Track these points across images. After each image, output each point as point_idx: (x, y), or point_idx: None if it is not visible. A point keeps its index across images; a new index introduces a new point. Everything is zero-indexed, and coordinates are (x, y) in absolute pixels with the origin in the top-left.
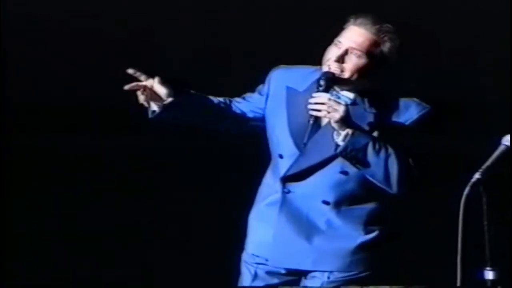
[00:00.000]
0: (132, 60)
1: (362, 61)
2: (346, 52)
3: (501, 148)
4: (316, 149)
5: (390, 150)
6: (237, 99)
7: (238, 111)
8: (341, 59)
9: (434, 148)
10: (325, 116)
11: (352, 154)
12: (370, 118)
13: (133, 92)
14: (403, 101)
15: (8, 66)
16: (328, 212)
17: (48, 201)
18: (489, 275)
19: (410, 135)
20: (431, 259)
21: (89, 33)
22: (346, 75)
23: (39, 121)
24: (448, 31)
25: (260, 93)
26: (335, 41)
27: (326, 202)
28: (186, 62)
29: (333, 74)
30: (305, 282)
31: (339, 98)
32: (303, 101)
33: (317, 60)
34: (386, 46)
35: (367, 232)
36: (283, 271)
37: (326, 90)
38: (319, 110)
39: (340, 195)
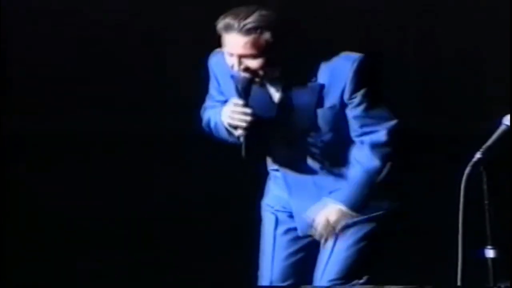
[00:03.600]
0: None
1: (260, 59)
2: (240, 59)
3: (502, 128)
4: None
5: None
6: (210, 109)
7: None
8: (242, 66)
9: (435, 128)
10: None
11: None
12: (312, 90)
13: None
14: (330, 61)
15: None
16: (330, 172)
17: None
18: (490, 253)
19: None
20: (433, 240)
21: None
22: (259, 75)
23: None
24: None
25: (216, 90)
26: (225, 51)
27: (323, 168)
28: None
29: (247, 79)
30: None
31: (268, 89)
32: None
33: None
34: (266, 36)
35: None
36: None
37: (246, 95)
38: (242, 120)
39: (330, 160)
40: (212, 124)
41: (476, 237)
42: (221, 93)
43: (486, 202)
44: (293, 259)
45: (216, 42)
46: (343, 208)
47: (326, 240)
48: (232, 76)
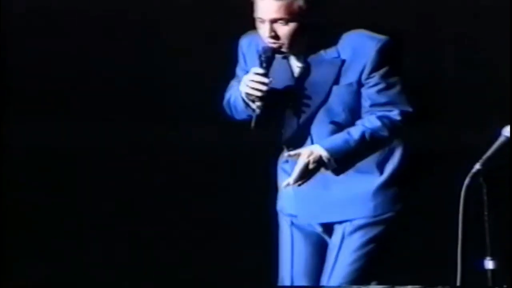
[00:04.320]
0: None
1: (291, 25)
2: (272, 25)
3: (501, 139)
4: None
5: (360, 127)
6: (233, 89)
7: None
8: (273, 32)
9: (434, 139)
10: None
11: (343, 162)
12: (333, 66)
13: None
14: (354, 39)
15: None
16: None
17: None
18: (489, 264)
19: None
20: (432, 250)
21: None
22: (285, 44)
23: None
24: (449, 23)
25: (243, 70)
26: (256, 17)
27: None
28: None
29: (272, 48)
30: (337, 230)
31: (290, 62)
32: (277, 66)
33: None
34: (300, 1)
35: (381, 172)
36: (316, 225)
37: (267, 65)
38: (258, 89)
39: None
40: (232, 100)
41: (476, 248)
42: (246, 72)
43: (485, 213)
44: (313, 260)
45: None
46: (324, 154)
47: (294, 181)
48: (258, 51)
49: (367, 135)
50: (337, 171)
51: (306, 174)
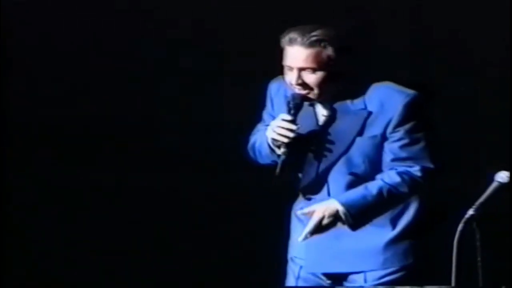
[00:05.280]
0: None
1: (319, 74)
2: (299, 73)
3: (494, 185)
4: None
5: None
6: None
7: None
8: (300, 80)
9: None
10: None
11: (360, 217)
12: (359, 117)
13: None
14: (382, 91)
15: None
16: None
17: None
18: None
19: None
20: None
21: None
22: (314, 92)
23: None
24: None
25: (270, 114)
26: (284, 65)
27: None
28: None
29: (300, 95)
30: (346, 284)
31: (316, 110)
32: (303, 112)
33: None
34: (329, 51)
35: (394, 227)
36: (321, 275)
37: (295, 112)
38: (285, 136)
39: None
40: (257, 144)
41: None
42: (273, 117)
43: (478, 259)
44: None
45: None
46: (341, 210)
47: (309, 234)
48: (286, 97)
49: (385, 191)
50: (354, 226)
51: (320, 229)
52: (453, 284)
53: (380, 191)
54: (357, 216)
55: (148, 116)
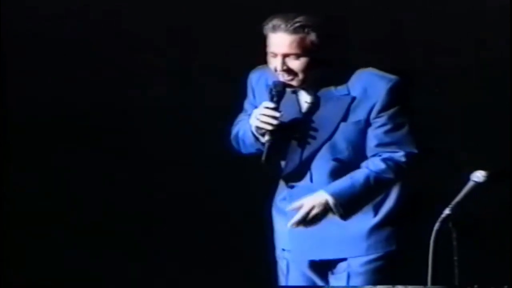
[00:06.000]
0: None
1: (303, 60)
2: (284, 59)
3: (470, 184)
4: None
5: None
6: (242, 124)
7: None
8: (285, 66)
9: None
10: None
11: (350, 206)
12: (342, 103)
13: None
14: (365, 77)
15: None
16: None
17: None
18: None
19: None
20: None
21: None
22: (298, 77)
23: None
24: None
25: (251, 104)
26: (268, 52)
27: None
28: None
29: (282, 83)
30: (332, 270)
31: (299, 97)
32: (286, 100)
33: None
34: (312, 36)
35: (376, 213)
36: (307, 262)
37: (278, 99)
38: (269, 123)
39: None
40: (240, 134)
41: None
42: (255, 107)
43: (455, 258)
44: None
45: None
46: (331, 200)
47: (297, 223)
48: (267, 86)
49: (371, 178)
50: (344, 216)
51: (311, 221)
52: (429, 283)
53: (367, 179)
54: (347, 205)
55: (130, 110)
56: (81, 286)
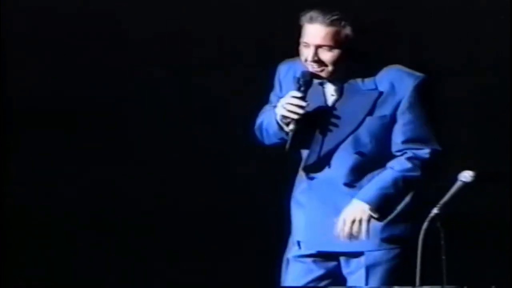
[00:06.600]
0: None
1: (335, 52)
2: (316, 50)
3: (458, 184)
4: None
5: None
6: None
7: None
8: (316, 57)
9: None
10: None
11: (386, 209)
12: (369, 97)
13: None
14: (393, 73)
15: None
16: (352, 194)
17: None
18: None
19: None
20: None
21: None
22: (328, 69)
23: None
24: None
25: (277, 96)
26: (301, 42)
27: (347, 184)
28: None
29: (310, 73)
30: (341, 263)
31: (325, 89)
32: (312, 91)
33: None
34: (348, 30)
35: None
36: (316, 254)
37: (305, 89)
38: (295, 113)
39: (360, 175)
40: (264, 124)
41: None
42: (281, 98)
43: (443, 257)
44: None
45: None
46: (368, 208)
47: (351, 237)
48: (295, 78)
49: (399, 179)
50: (381, 219)
51: (356, 232)
52: (417, 283)
53: (394, 180)
54: (382, 209)
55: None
56: (81, 286)
